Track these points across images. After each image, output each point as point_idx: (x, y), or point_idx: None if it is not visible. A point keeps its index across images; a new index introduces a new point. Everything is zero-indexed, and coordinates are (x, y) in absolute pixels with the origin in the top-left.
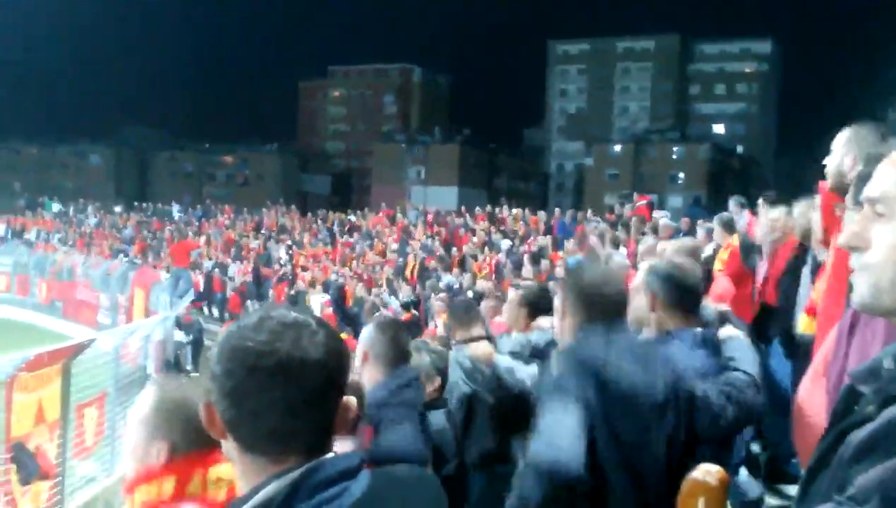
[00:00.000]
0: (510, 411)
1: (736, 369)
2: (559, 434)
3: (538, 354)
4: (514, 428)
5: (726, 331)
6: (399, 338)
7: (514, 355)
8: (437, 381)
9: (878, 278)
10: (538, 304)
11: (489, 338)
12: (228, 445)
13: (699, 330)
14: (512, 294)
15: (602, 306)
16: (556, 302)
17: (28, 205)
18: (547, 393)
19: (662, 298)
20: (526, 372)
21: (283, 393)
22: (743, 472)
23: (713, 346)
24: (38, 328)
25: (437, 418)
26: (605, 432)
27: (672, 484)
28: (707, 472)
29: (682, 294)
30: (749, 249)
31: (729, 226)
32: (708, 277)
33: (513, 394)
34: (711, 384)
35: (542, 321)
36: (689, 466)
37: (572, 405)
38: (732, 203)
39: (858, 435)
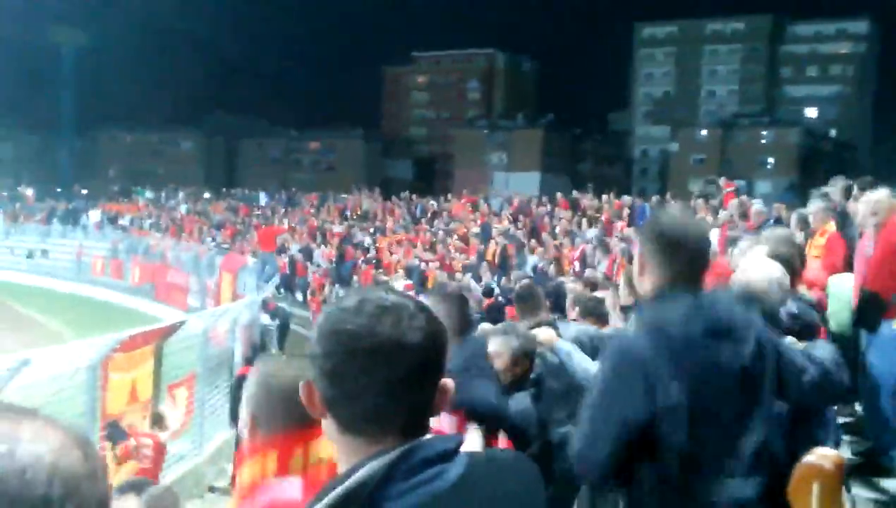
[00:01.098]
0: (574, 394)
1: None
2: (596, 428)
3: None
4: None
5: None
6: (463, 308)
7: (579, 343)
8: (525, 364)
9: None
10: (597, 311)
11: (552, 324)
12: (327, 424)
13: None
14: (573, 308)
15: (684, 259)
16: (635, 257)
17: (122, 191)
18: (610, 364)
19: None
20: (587, 362)
21: (381, 375)
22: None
23: None
24: (131, 310)
25: (522, 399)
26: (679, 405)
27: (773, 469)
28: (823, 456)
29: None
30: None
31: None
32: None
33: (575, 379)
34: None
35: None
36: (799, 449)
37: (626, 394)
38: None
39: None
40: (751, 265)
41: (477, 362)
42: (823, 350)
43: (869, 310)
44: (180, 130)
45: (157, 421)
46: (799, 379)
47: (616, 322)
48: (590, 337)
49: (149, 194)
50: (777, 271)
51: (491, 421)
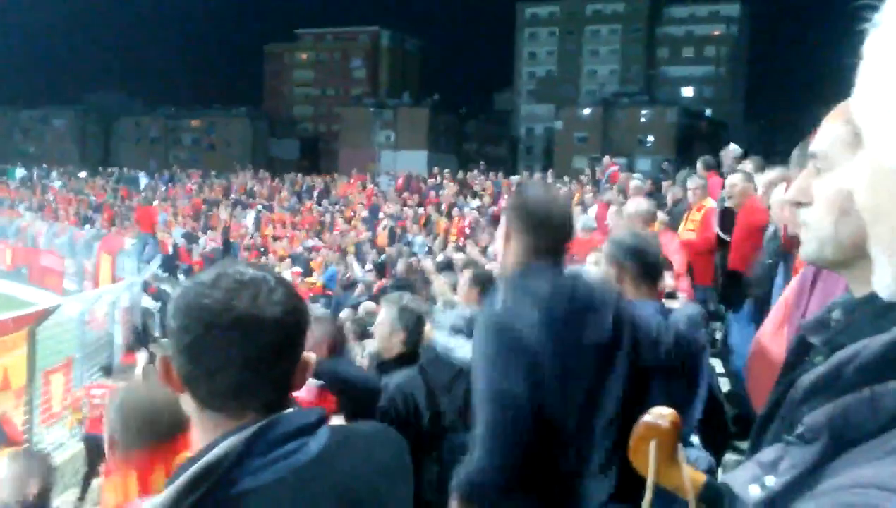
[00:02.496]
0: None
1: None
2: (496, 416)
3: None
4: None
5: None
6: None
7: (457, 330)
8: (401, 335)
9: (818, 231)
10: (487, 285)
11: None
12: (186, 400)
13: (658, 302)
14: (465, 273)
15: (548, 231)
16: (500, 228)
17: None
18: (490, 340)
19: (630, 270)
20: (468, 349)
21: (239, 350)
22: (695, 441)
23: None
24: (3, 294)
25: (408, 372)
26: (553, 376)
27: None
28: (659, 415)
29: (647, 267)
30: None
31: (703, 189)
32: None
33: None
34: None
35: None
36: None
37: (514, 359)
38: (700, 165)
39: (807, 378)
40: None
41: None
42: (682, 311)
43: (731, 289)
44: (52, 108)
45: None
46: (655, 345)
47: None
48: (466, 321)
49: (20, 173)
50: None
51: (358, 394)
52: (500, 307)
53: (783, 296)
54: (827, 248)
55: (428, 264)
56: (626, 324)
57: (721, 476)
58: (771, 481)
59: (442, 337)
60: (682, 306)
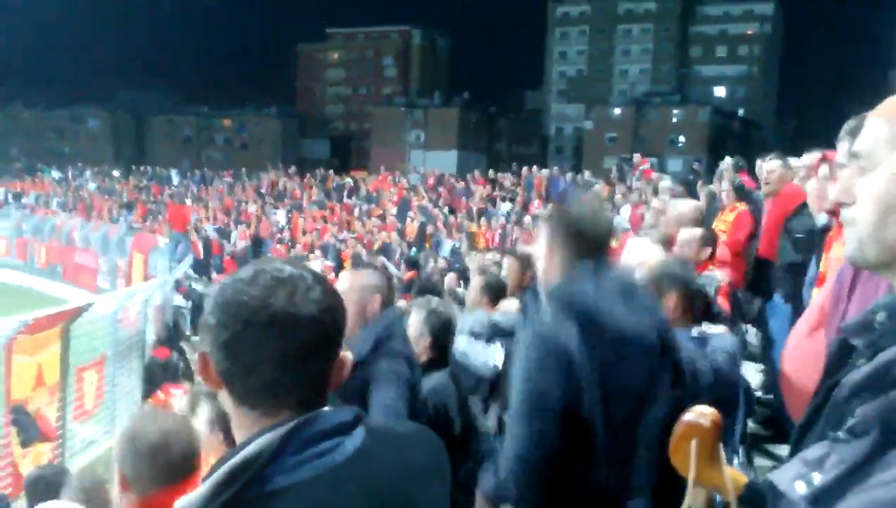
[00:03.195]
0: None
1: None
2: (533, 426)
3: (503, 333)
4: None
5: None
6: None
7: (476, 335)
8: (428, 340)
9: (861, 232)
10: (501, 291)
11: None
12: (223, 396)
13: (695, 329)
14: (475, 280)
15: (591, 242)
16: (541, 240)
17: (26, 170)
18: (533, 347)
19: (673, 298)
20: (486, 354)
21: (276, 348)
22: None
23: None
24: (37, 292)
25: (440, 377)
26: (595, 391)
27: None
28: (700, 414)
29: (690, 297)
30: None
31: (740, 191)
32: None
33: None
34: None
35: (506, 303)
36: None
37: (556, 369)
38: (725, 164)
39: (853, 377)
40: (635, 249)
41: (391, 346)
42: (721, 342)
43: (760, 278)
44: (87, 107)
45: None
46: (694, 378)
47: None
48: (485, 325)
49: (55, 173)
50: (656, 255)
51: None
52: (546, 320)
53: (819, 299)
54: (869, 249)
55: (451, 278)
56: (670, 347)
57: (765, 475)
58: (818, 478)
59: (461, 342)
60: (720, 336)
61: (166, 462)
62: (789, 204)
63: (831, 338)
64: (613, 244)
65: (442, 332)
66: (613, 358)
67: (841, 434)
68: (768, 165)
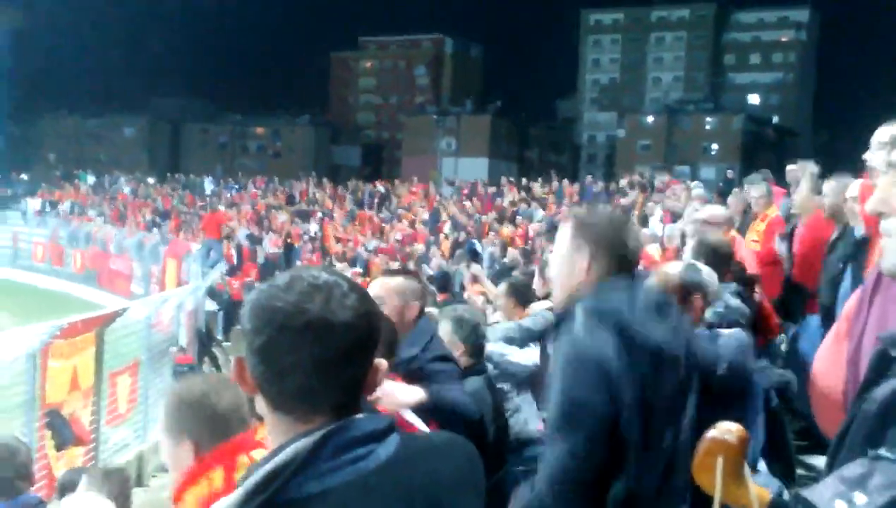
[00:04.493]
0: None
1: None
2: (576, 439)
3: (535, 336)
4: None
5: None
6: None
7: (509, 340)
8: (461, 347)
9: None
10: (525, 294)
11: None
12: (259, 402)
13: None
14: (501, 286)
15: (622, 255)
16: (563, 247)
17: (63, 176)
18: (569, 359)
19: (694, 300)
20: (522, 356)
21: (310, 354)
22: (762, 466)
23: None
24: (73, 297)
25: (475, 382)
26: (631, 397)
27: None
28: (727, 430)
29: (707, 299)
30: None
31: (768, 198)
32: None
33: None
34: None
35: (535, 306)
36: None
37: (593, 376)
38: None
39: (882, 391)
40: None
41: (440, 351)
42: (728, 338)
43: (793, 302)
44: (123, 115)
45: None
46: (711, 372)
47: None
48: (516, 331)
49: (91, 179)
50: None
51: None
52: (577, 331)
53: (845, 309)
54: None
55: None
56: (694, 349)
57: (801, 492)
58: (861, 498)
59: (497, 346)
60: (730, 332)
61: (214, 413)
62: (818, 232)
63: (852, 348)
64: (640, 252)
65: (474, 337)
66: (649, 369)
67: (885, 451)
68: (797, 196)
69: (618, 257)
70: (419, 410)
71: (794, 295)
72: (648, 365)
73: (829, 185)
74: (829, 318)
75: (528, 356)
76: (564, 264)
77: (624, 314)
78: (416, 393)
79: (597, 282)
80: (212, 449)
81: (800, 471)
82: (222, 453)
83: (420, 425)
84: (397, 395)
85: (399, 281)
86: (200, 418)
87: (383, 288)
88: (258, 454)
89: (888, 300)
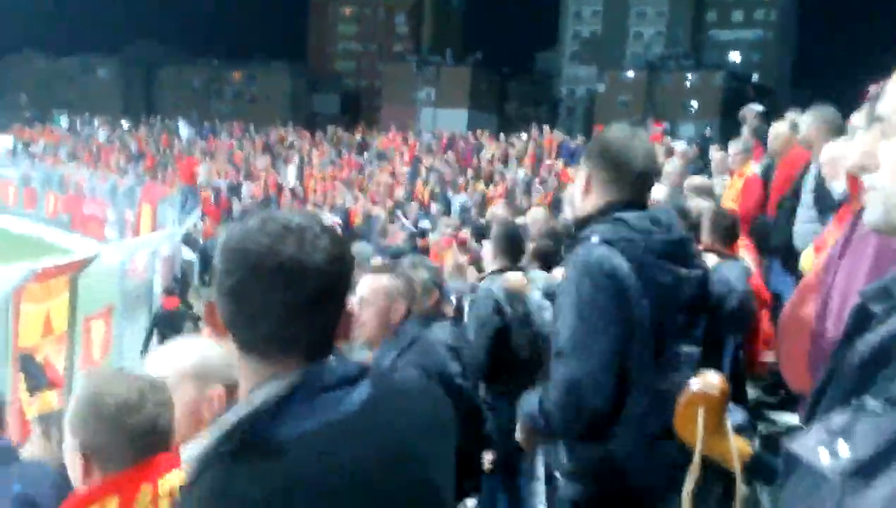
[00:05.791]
0: (534, 352)
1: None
2: (592, 355)
3: None
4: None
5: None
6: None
7: (547, 294)
8: (436, 294)
9: (888, 197)
10: (549, 257)
11: (524, 271)
12: (231, 346)
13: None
14: (487, 244)
15: (631, 179)
16: (580, 176)
17: (35, 117)
18: (579, 286)
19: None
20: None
21: (282, 296)
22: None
23: None
24: (45, 241)
25: (443, 327)
26: (644, 316)
27: None
28: (709, 383)
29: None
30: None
31: (746, 154)
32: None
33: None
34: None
35: (557, 272)
36: None
37: (609, 315)
38: (750, 110)
39: (867, 342)
40: None
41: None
42: (732, 270)
43: (765, 235)
44: (97, 57)
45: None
46: (720, 307)
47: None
48: (551, 286)
49: (64, 122)
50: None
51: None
52: (592, 249)
53: (815, 266)
54: (894, 214)
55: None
56: (704, 275)
57: (785, 443)
58: (844, 447)
59: (537, 296)
60: (723, 261)
61: (135, 427)
62: (793, 168)
63: (820, 303)
64: (656, 174)
65: (438, 285)
66: (662, 302)
67: (872, 402)
68: (774, 128)
69: (629, 185)
70: None
71: (767, 231)
72: (660, 289)
73: (803, 118)
74: (790, 258)
75: None
76: (575, 187)
77: (638, 244)
78: None
79: (606, 207)
80: (102, 462)
81: (776, 429)
82: (123, 479)
83: None
84: None
85: (385, 280)
86: (99, 421)
87: (369, 289)
88: (174, 477)
89: (858, 258)
